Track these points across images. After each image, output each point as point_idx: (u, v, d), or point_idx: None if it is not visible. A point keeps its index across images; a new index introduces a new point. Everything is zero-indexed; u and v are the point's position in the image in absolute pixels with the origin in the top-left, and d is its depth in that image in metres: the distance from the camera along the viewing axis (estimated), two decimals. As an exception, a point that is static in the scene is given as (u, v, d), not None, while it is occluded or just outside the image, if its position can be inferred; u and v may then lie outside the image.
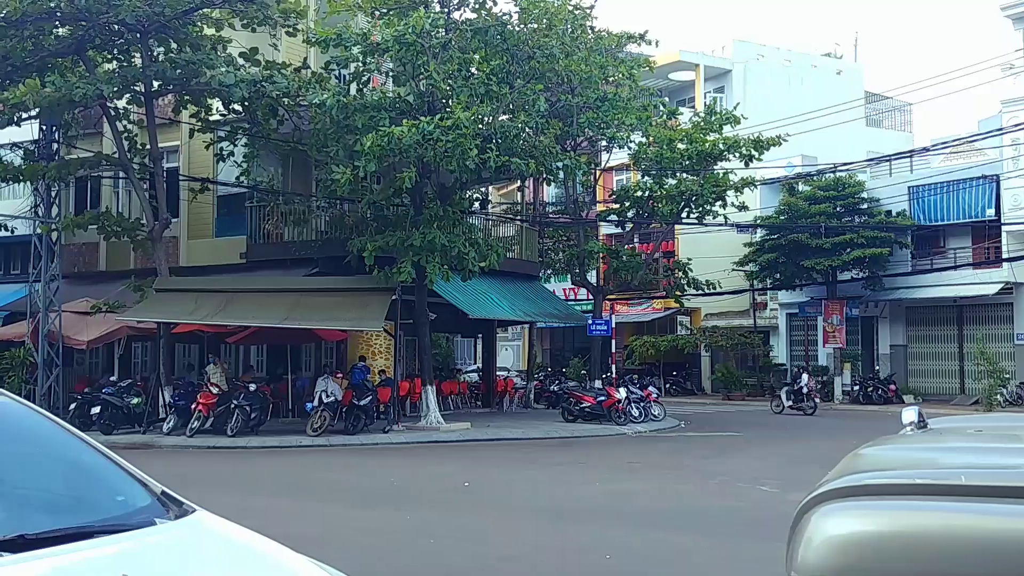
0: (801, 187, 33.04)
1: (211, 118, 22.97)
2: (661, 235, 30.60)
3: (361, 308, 20.60)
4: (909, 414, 4.26)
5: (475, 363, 35.37)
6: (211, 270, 24.67)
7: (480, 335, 31.46)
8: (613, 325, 26.68)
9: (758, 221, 32.64)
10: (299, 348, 25.73)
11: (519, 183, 28.49)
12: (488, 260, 20.99)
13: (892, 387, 30.57)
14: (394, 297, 20.92)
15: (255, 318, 20.84)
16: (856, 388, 31.41)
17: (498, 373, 29.94)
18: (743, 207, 27.63)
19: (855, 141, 38.49)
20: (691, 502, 11.82)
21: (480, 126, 19.34)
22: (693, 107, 36.51)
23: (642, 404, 23.72)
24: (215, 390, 20.06)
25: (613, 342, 28.36)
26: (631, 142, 26.27)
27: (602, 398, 23.15)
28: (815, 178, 32.62)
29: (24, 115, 21.07)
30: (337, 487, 13.36)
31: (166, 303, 21.12)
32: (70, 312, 23.02)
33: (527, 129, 20.22)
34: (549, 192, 37.26)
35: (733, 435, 21.55)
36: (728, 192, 26.72)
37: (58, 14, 19.34)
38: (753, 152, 25.81)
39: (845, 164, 30.57)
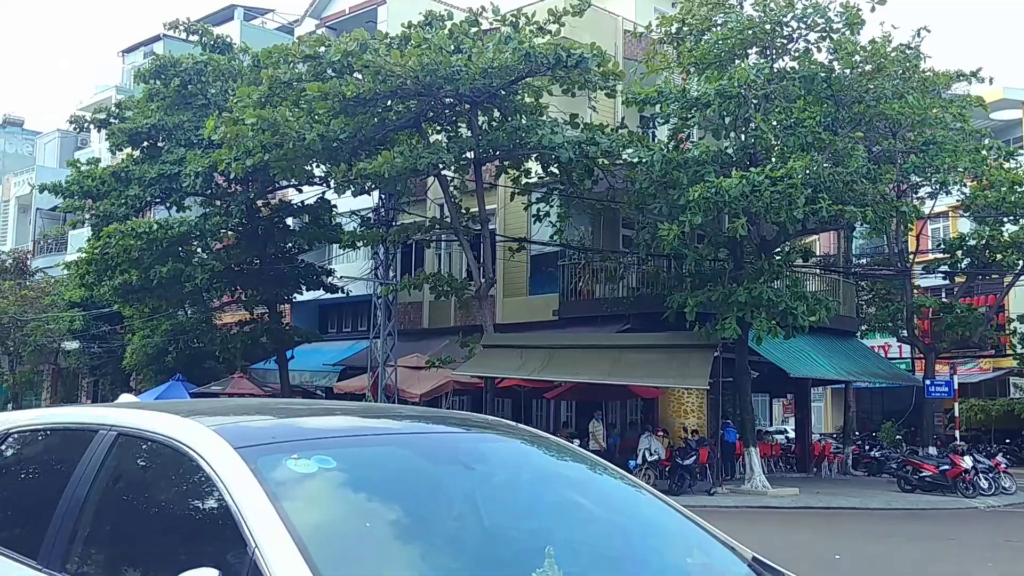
0: None
1: (528, 181, 23.82)
2: (994, 288, 27.78)
3: (683, 365, 20.25)
4: None
5: (774, 424, 33.76)
6: (525, 327, 25.30)
7: (790, 395, 29.97)
8: (956, 387, 24.36)
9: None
10: (607, 405, 25.72)
11: (832, 232, 27.08)
12: (818, 315, 19.93)
13: None
14: (716, 354, 20.37)
15: (578, 374, 21.09)
16: None
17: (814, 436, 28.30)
18: (1103, 255, 24.51)
19: None
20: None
21: (809, 175, 18.56)
22: (1021, 147, 33.15)
23: (991, 475, 21.37)
24: (594, 445, 20.57)
25: (957, 406, 25.85)
26: (965, 185, 24.27)
27: (945, 467, 21.08)
28: None
29: (368, 185, 22.92)
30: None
31: (493, 359, 21.90)
32: (403, 367, 24.54)
33: (859, 177, 19.17)
34: (855, 244, 35.14)
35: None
36: (1086, 238, 23.86)
37: (400, 92, 20.86)
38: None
39: None
